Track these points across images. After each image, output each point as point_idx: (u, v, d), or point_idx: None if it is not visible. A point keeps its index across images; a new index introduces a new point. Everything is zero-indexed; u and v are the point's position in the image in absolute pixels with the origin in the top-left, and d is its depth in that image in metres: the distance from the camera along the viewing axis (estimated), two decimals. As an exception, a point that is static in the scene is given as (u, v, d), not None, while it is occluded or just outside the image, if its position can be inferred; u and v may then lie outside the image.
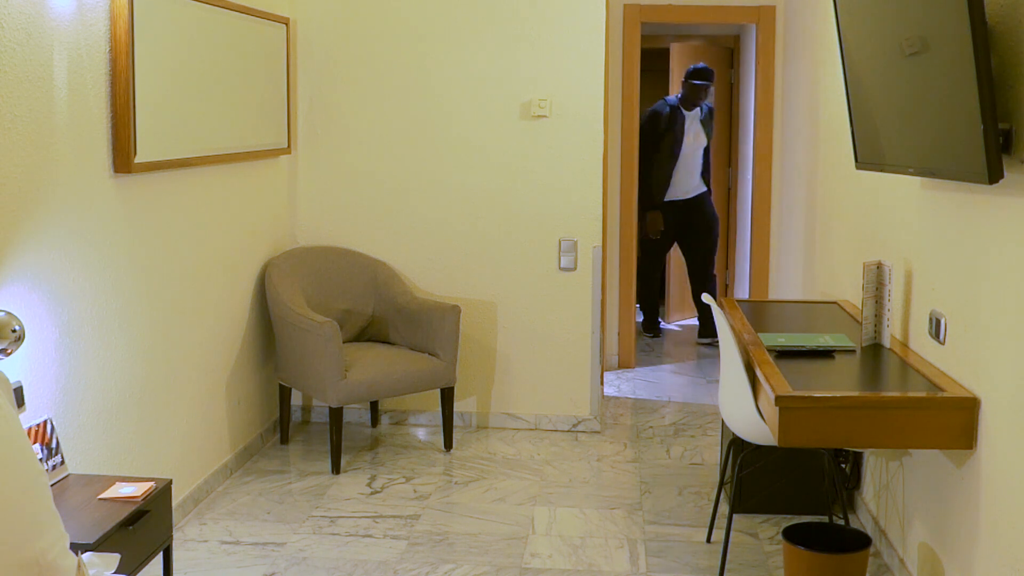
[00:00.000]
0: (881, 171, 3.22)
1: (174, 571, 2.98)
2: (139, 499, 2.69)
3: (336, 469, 4.30)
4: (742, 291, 6.83)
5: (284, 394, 4.64)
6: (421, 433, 4.88)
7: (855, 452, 3.85)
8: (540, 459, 4.54)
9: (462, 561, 3.49)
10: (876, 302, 3.27)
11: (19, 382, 2.71)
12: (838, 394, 2.77)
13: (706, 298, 3.38)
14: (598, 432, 4.90)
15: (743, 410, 3.17)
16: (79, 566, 2.00)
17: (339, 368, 4.20)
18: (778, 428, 2.74)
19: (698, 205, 6.89)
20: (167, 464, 3.65)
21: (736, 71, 7.38)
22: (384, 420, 5.01)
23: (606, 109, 4.89)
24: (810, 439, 2.87)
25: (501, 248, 4.88)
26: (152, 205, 3.50)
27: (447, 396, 4.55)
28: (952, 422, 2.69)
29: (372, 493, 4.10)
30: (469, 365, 4.92)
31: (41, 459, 2.71)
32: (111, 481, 2.80)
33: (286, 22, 4.63)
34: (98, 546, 2.44)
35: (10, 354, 2.52)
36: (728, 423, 3.37)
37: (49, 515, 1.95)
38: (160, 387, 3.59)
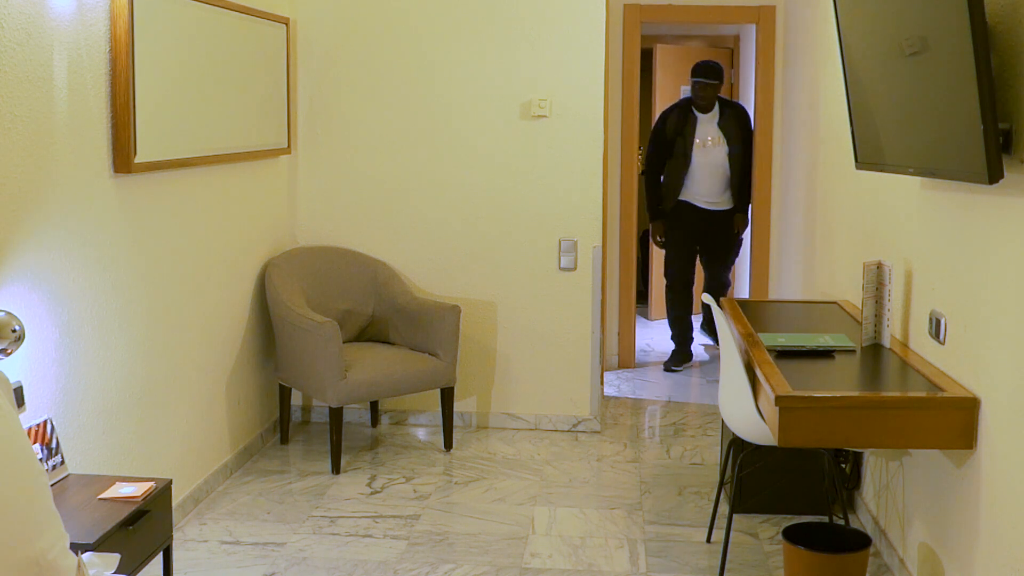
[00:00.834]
0: (881, 171, 3.22)
1: (174, 571, 2.98)
2: (139, 499, 2.69)
3: (336, 469, 4.30)
4: (742, 291, 6.83)
5: (284, 394, 4.64)
6: (421, 433, 4.88)
7: (855, 452, 3.85)
8: (540, 459, 4.54)
9: (462, 561, 3.49)
10: (876, 302, 3.27)
11: (19, 382, 2.71)
12: (838, 394, 2.77)
13: (706, 298, 3.38)
14: (598, 432, 4.90)
15: (743, 410, 3.17)
16: (79, 566, 2.00)
17: (339, 368, 4.20)
18: (778, 428, 2.74)
19: (719, 220, 6.15)
20: (167, 464, 3.65)
21: (736, 71, 7.38)
22: (384, 420, 5.01)
23: (606, 109, 4.89)
24: (810, 439, 2.87)
25: (501, 248, 4.88)
26: (152, 205, 3.50)
27: (447, 396, 4.55)
28: (952, 422, 2.69)
29: (372, 493, 4.10)
30: (469, 365, 4.92)
31: (41, 459, 2.71)
32: (111, 481, 2.80)
33: (286, 22, 4.63)
34: (98, 546, 2.44)
35: (10, 354, 2.52)
36: (728, 423, 3.37)
37: (49, 515, 1.95)
38: (160, 387, 3.59)
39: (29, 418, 2.74)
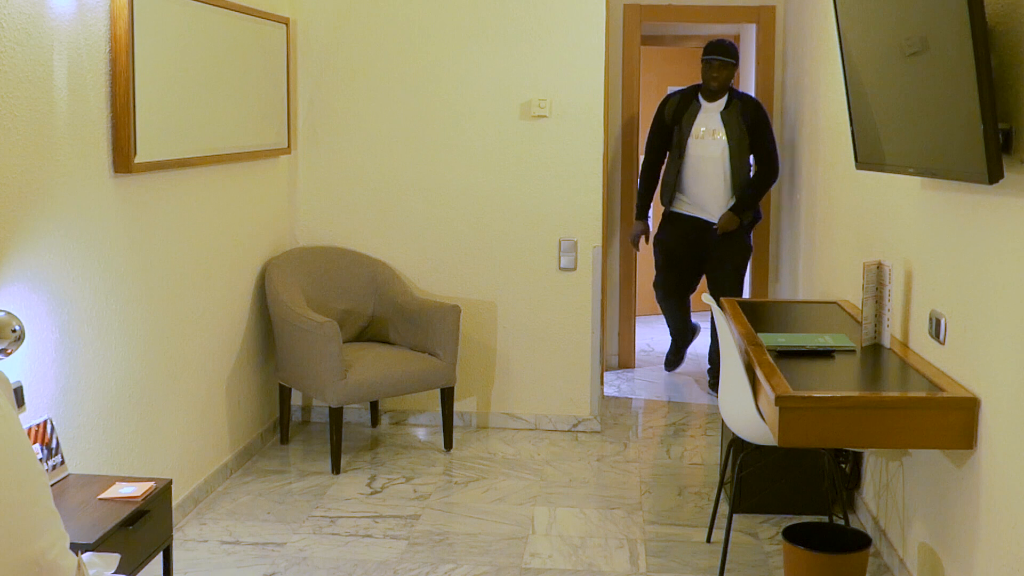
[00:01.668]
0: (881, 171, 3.22)
1: (174, 571, 2.98)
2: (139, 499, 2.69)
3: (336, 469, 4.30)
4: (742, 291, 6.82)
5: (284, 394, 4.64)
6: (421, 433, 4.88)
7: (855, 452, 3.85)
8: (540, 459, 4.54)
9: (462, 561, 3.49)
10: (876, 302, 3.27)
11: (19, 382, 2.71)
12: (838, 394, 2.77)
13: (706, 298, 3.38)
14: (598, 432, 4.90)
15: (743, 410, 3.17)
16: (79, 566, 2.00)
17: (339, 368, 4.20)
18: (778, 428, 2.74)
19: (717, 235, 5.34)
20: (167, 464, 3.65)
21: (736, 71, 7.38)
22: (384, 420, 5.01)
23: (606, 109, 4.89)
24: (810, 439, 2.87)
25: (501, 248, 4.88)
26: (152, 205, 3.50)
27: (447, 396, 4.55)
28: (952, 422, 2.69)
29: (372, 493, 4.10)
30: (469, 365, 4.92)
31: (41, 459, 2.71)
32: (111, 481, 2.80)
33: (286, 22, 4.63)
34: (98, 546, 2.44)
35: (10, 354, 2.52)
36: (728, 423, 3.37)
37: (49, 515, 1.95)
38: (160, 387, 3.59)
39: (29, 418, 2.74)
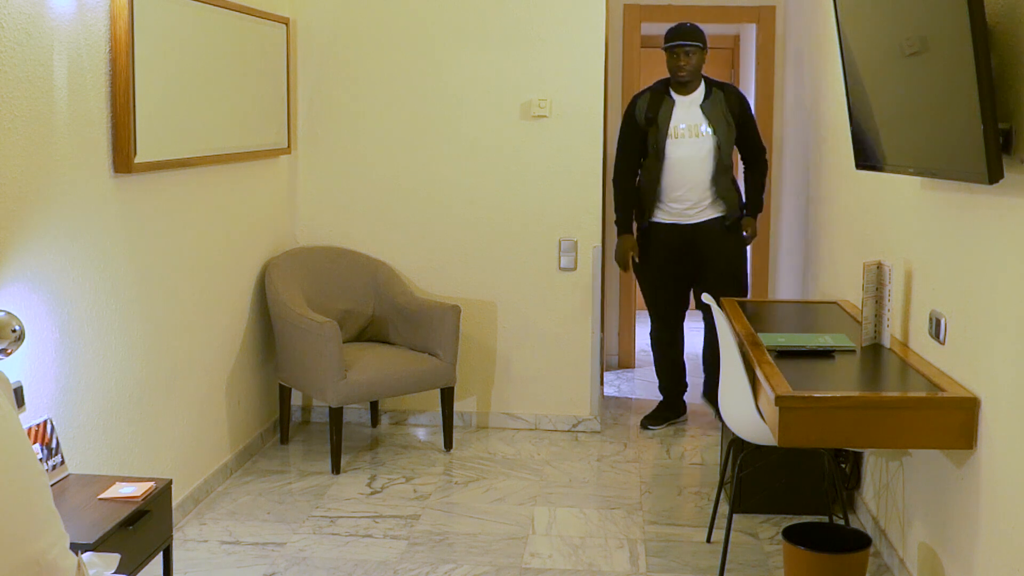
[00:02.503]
0: (881, 171, 3.22)
1: (174, 571, 2.98)
2: (139, 499, 2.69)
3: (336, 469, 4.30)
4: (742, 291, 6.82)
5: (284, 394, 4.64)
6: (421, 433, 4.88)
7: (855, 452, 3.85)
8: (540, 459, 4.54)
9: (462, 561, 3.49)
10: (876, 302, 3.27)
11: (19, 382, 2.71)
12: (838, 394, 2.77)
13: (706, 298, 3.38)
14: (598, 432, 4.90)
15: (743, 410, 3.17)
16: (79, 566, 2.00)
17: (339, 368, 4.20)
18: (778, 428, 2.74)
19: (708, 235, 4.78)
20: (167, 464, 3.65)
21: (736, 71, 7.39)
22: (384, 420, 5.01)
23: (606, 109, 4.89)
24: (810, 439, 2.87)
25: (501, 248, 4.88)
26: (152, 205, 3.50)
27: (447, 396, 4.55)
28: (952, 422, 2.69)
29: (372, 493, 4.10)
30: (469, 365, 4.92)
31: (41, 459, 2.71)
32: (111, 481, 2.80)
33: (286, 22, 4.63)
34: (98, 546, 2.44)
35: (10, 354, 2.52)
36: (728, 423, 3.37)
37: (49, 515, 1.95)
38: (160, 387, 3.59)
39: (29, 418, 2.74)
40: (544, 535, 3.72)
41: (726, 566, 3.37)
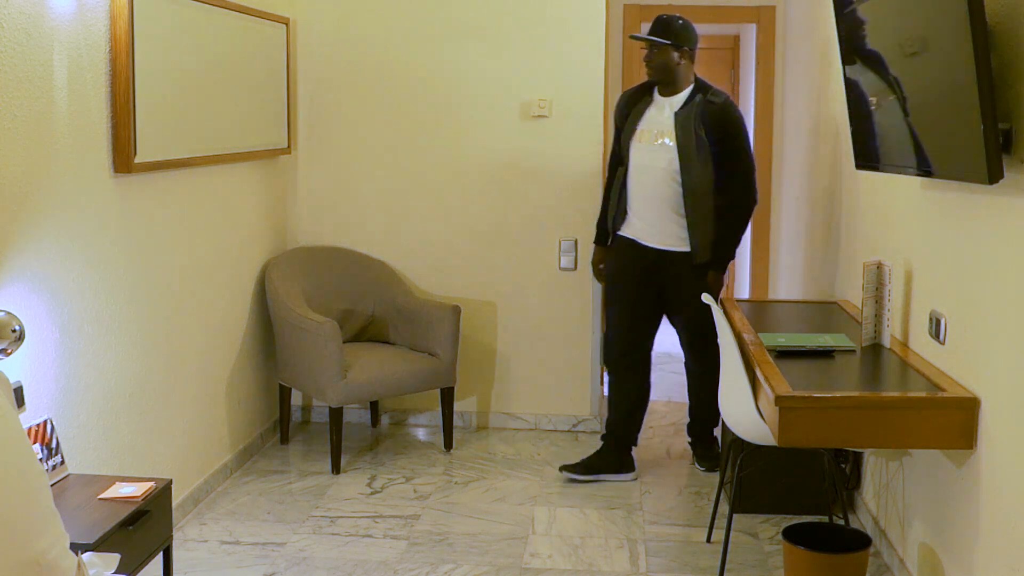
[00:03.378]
0: (881, 171, 3.22)
1: (174, 571, 2.98)
2: (139, 499, 2.69)
3: (336, 469, 4.30)
4: (742, 291, 6.83)
5: (284, 394, 4.64)
6: (421, 433, 4.88)
7: (855, 452, 3.85)
8: (540, 459, 4.54)
9: (462, 561, 3.49)
10: (876, 302, 3.27)
11: (19, 382, 2.71)
12: (838, 394, 2.77)
13: (706, 298, 3.37)
14: (598, 432, 4.89)
15: (743, 410, 3.17)
16: (79, 566, 2.00)
17: (339, 368, 4.20)
18: (778, 428, 2.74)
19: (674, 270, 4.15)
20: (167, 464, 3.65)
21: (736, 71, 7.39)
22: (384, 420, 5.01)
23: (606, 109, 4.89)
24: (810, 439, 2.87)
25: (501, 248, 4.88)
26: (152, 205, 3.50)
27: (447, 396, 4.55)
28: (952, 422, 2.69)
29: (372, 493, 4.10)
30: (469, 365, 4.92)
31: (41, 459, 2.71)
32: (111, 481, 2.80)
33: (286, 22, 4.63)
34: (98, 546, 2.44)
35: (10, 354, 2.52)
36: (728, 423, 3.37)
37: (49, 515, 1.95)
38: (160, 387, 3.59)
39: (29, 418, 2.74)
40: (544, 535, 3.72)
41: (726, 566, 3.37)
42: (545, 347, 4.91)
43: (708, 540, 3.66)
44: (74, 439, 3.03)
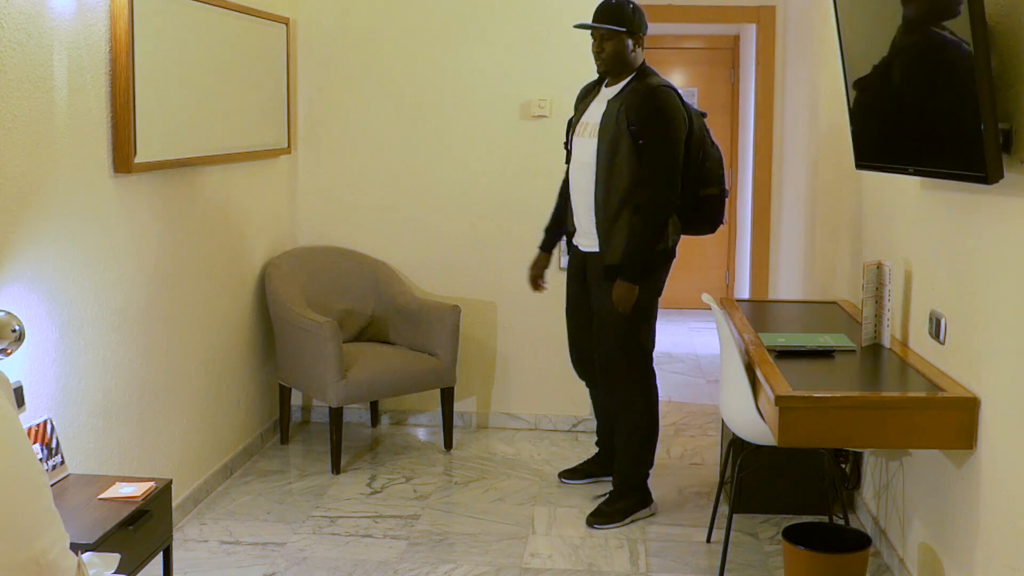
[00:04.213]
0: (881, 171, 3.22)
1: (174, 571, 2.98)
2: (139, 499, 2.69)
3: (336, 469, 4.30)
4: (742, 291, 6.83)
5: (284, 394, 4.64)
6: (421, 433, 4.88)
7: (855, 452, 3.85)
8: (540, 459, 4.54)
9: (462, 561, 3.49)
10: (876, 302, 3.27)
11: (19, 382, 2.71)
12: (838, 394, 2.77)
13: (706, 298, 3.37)
14: (598, 432, 4.90)
15: (743, 410, 3.17)
16: (79, 566, 2.00)
17: (339, 368, 4.20)
18: (778, 428, 2.74)
19: (594, 275, 3.82)
20: (167, 464, 3.65)
21: (736, 71, 7.39)
22: (384, 420, 5.01)
23: (606, 109, 4.89)
24: (810, 439, 2.87)
25: (501, 248, 4.88)
26: (152, 205, 3.50)
27: (447, 396, 4.55)
28: (952, 422, 2.69)
29: (372, 493, 4.10)
30: (469, 365, 4.92)
31: (41, 459, 2.71)
32: (111, 481, 2.80)
33: (286, 22, 4.63)
34: (98, 546, 2.44)
35: (10, 354, 2.52)
36: (728, 423, 3.37)
37: (49, 515, 1.95)
38: (160, 387, 3.59)
39: (29, 418, 2.74)
40: (544, 535, 3.72)
41: (726, 566, 3.37)
42: (545, 347, 4.91)
43: (708, 540, 3.67)
44: (74, 439, 3.03)
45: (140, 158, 3.28)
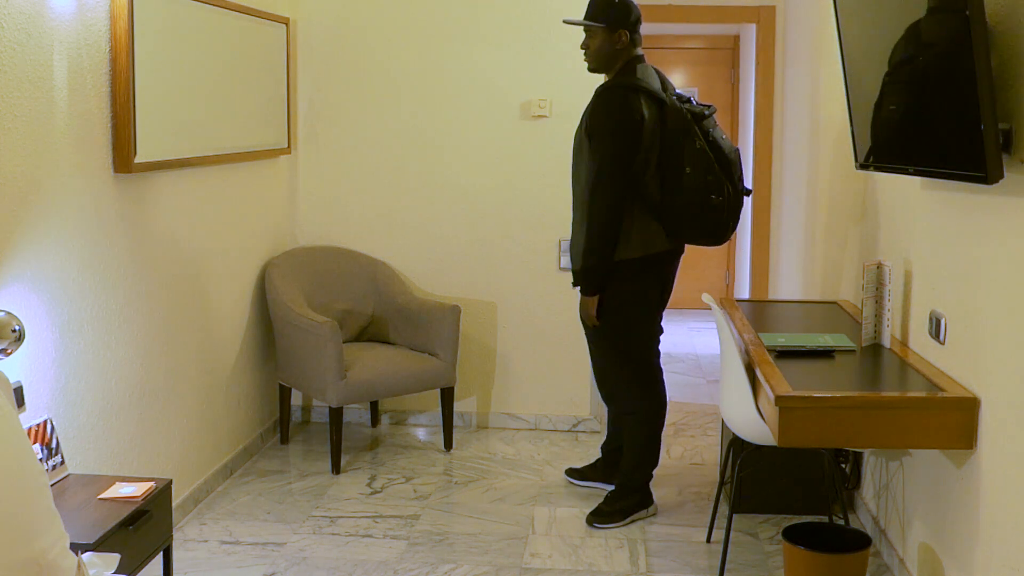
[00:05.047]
0: (881, 171, 3.22)
1: (174, 571, 2.98)
2: (139, 499, 2.69)
3: (336, 469, 4.30)
4: (742, 291, 6.83)
5: (284, 394, 4.65)
6: (421, 433, 4.88)
7: (855, 452, 3.85)
8: (540, 459, 4.54)
9: (462, 561, 3.49)
10: (876, 302, 3.27)
11: (19, 382, 2.71)
12: (838, 394, 2.77)
13: (706, 298, 3.37)
14: (598, 432, 4.90)
15: (743, 410, 3.17)
16: (79, 566, 2.00)
17: (339, 368, 4.20)
18: (778, 428, 2.74)
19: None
20: (167, 464, 3.65)
21: (736, 71, 7.39)
22: (384, 420, 5.01)
23: (606, 109, 4.88)
24: (810, 439, 2.87)
25: (501, 248, 4.88)
26: (152, 205, 3.50)
27: (447, 396, 4.55)
28: (952, 422, 2.69)
29: (372, 493, 4.10)
30: (469, 365, 4.92)
31: (41, 459, 2.71)
32: (111, 481, 2.80)
33: (286, 22, 4.63)
34: (98, 546, 2.44)
35: (10, 354, 2.52)
36: (728, 423, 3.37)
37: (49, 515, 1.95)
38: (160, 387, 3.59)
39: (29, 418, 2.74)
40: (544, 535, 3.72)
41: (726, 566, 3.37)
42: (545, 347, 4.91)
43: (708, 540, 3.67)
44: (74, 439, 3.03)
45: (140, 158, 3.28)
